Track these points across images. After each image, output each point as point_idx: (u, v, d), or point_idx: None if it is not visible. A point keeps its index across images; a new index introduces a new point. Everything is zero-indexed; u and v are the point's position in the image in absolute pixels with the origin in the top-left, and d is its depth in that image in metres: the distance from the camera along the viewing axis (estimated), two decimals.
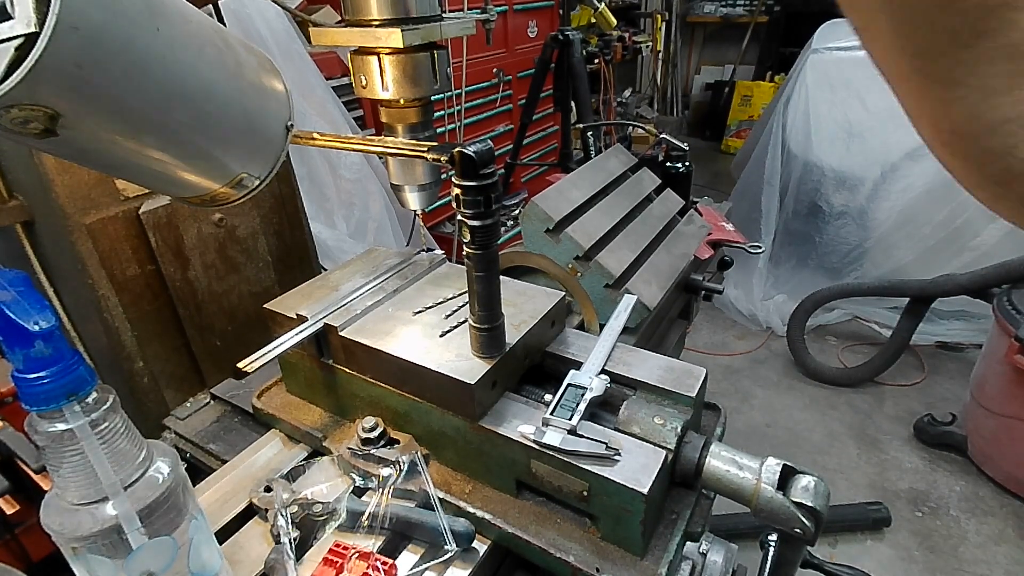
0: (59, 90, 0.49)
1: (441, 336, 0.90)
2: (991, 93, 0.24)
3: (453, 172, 0.73)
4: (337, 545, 0.80)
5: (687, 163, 1.74)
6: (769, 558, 0.99)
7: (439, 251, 1.16)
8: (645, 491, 0.72)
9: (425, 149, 0.79)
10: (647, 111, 7.15)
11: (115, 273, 1.12)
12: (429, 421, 0.89)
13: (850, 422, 2.89)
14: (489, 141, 0.72)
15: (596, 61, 5.26)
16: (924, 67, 0.26)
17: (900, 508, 2.42)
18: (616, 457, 0.76)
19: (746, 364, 3.35)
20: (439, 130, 3.21)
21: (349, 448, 0.92)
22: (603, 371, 0.90)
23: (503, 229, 3.42)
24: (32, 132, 0.51)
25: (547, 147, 4.28)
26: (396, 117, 0.97)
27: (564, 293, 1.00)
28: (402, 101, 0.94)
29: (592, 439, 0.77)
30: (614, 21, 3.38)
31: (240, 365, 0.82)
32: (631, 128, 2.83)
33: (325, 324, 0.94)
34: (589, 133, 2.87)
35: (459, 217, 0.75)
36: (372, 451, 0.90)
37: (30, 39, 0.45)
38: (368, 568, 0.76)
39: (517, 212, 3.52)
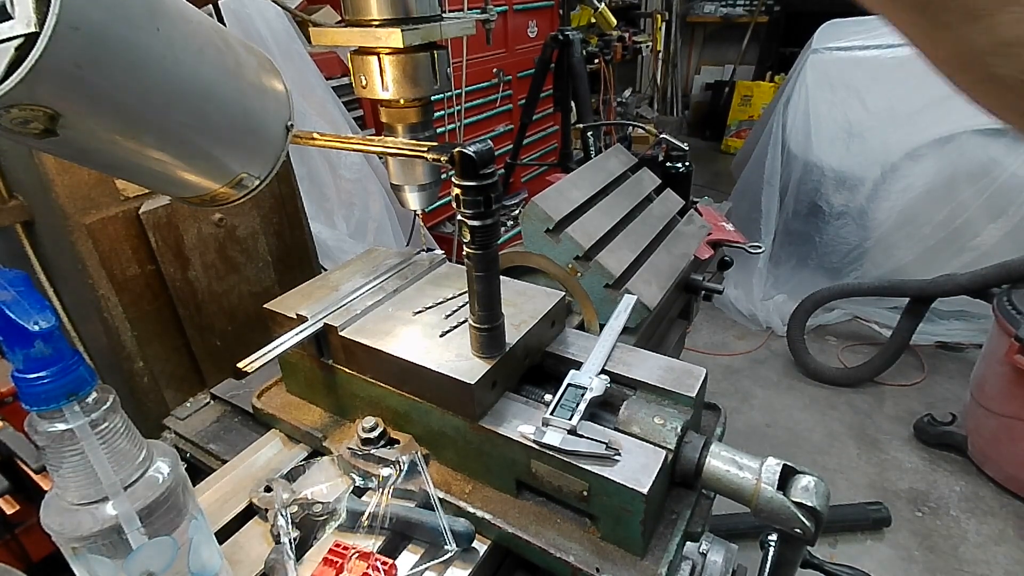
0: (59, 90, 0.49)
1: (441, 336, 0.90)
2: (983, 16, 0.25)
3: (453, 172, 0.73)
4: (337, 545, 0.80)
5: (687, 163, 1.74)
6: (769, 558, 0.99)
7: (439, 251, 1.16)
8: (645, 491, 0.72)
9: (425, 149, 0.79)
10: (647, 111, 7.16)
11: (115, 273, 1.12)
12: (429, 421, 0.89)
13: (850, 422, 2.89)
14: (489, 141, 0.72)
15: (596, 61, 5.26)
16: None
17: (900, 508, 2.42)
18: (616, 457, 0.76)
19: (746, 364, 3.35)
20: (439, 130, 3.21)
21: (349, 448, 0.92)
22: (603, 371, 0.90)
23: (503, 229, 3.42)
24: (32, 132, 0.51)
25: (547, 147, 4.29)
26: (396, 117, 0.97)
27: (564, 293, 1.00)
28: (402, 101, 0.94)
29: (592, 439, 0.77)
30: (614, 21, 3.39)
31: (240, 365, 0.82)
32: (631, 128, 2.84)
33: (325, 324, 0.94)
34: (589, 133, 2.87)
35: (459, 217, 0.75)
36: (372, 451, 0.90)
37: (30, 39, 0.45)
38: (368, 568, 0.76)
39: (517, 212, 3.52)
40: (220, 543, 0.80)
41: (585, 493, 0.77)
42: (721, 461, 0.81)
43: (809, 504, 0.73)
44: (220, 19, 1.32)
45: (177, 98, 0.60)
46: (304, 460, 0.99)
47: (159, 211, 1.15)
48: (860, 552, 2.27)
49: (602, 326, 1.01)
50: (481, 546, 0.83)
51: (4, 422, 1.19)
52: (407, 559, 0.81)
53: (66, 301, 1.19)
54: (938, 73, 0.30)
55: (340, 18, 0.91)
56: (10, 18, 0.45)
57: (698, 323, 3.66)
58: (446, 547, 0.80)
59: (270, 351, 0.87)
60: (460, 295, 1.00)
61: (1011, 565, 2.18)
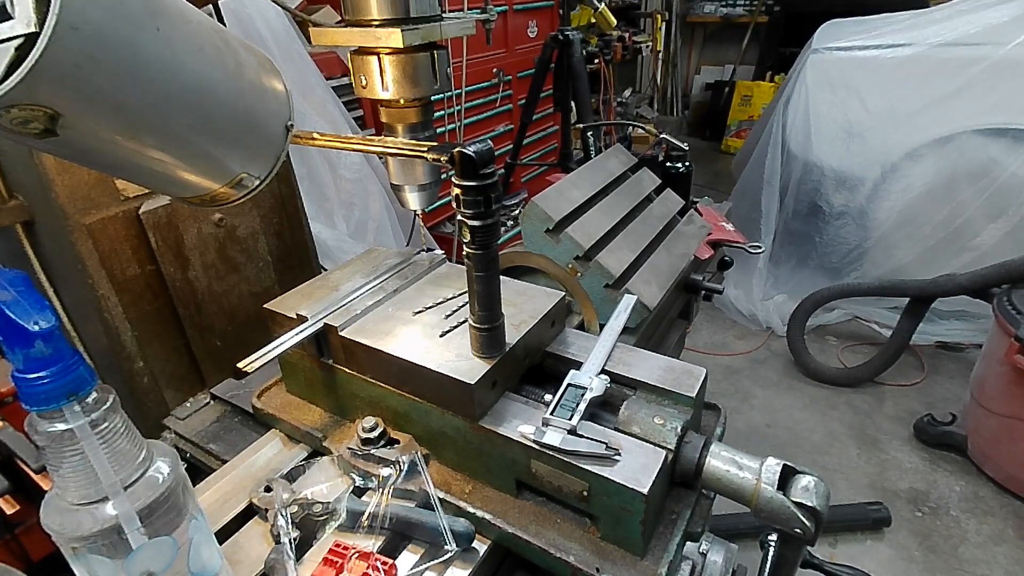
0: (59, 90, 0.49)
1: (441, 336, 0.90)
2: None
3: (453, 172, 0.73)
4: (337, 545, 0.80)
5: (687, 163, 1.74)
6: (769, 558, 0.99)
7: (439, 251, 1.16)
8: (645, 491, 0.72)
9: (425, 149, 0.79)
10: (647, 111, 7.15)
11: (115, 273, 1.12)
12: (429, 421, 0.89)
13: (850, 422, 2.89)
14: (489, 141, 0.72)
15: (596, 61, 5.26)
16: None
17: (900, 508, 2.41)
18: (616, 457, 0.76)
19: (746, 364, 3.35)
20: (439, 130, 3.21)
21: (349, 448, 0.92)
22: (603, 371, 0.90)
23: (503, 229, 3.42)
24: (32, 132, 0.51)
25: (547, 147, 4.28)
26: (396, 117, 0.97)
27: (564, 293, 1.00)
28: (402, 101, 0.94)
29: (592, 439, 0.77)
30: (614, 21, 3.38)
31: (240, 365, 0.82)
32: (631, 128, 2.84)
33: (325, 324, 0.94)
34: (589, 133, 2.87)
35: (459, 217, 0.75)
36: (372, 451, 0.90)
37: (30, 39, 0.45)
38: (368, 568, 0.76)
39: (517, 212, 3.52)
40: (220, 543, 0.80)
41: (585, 493, 0.77)
42: (721, 461, 0.81)
43: (809, 504, 0.73)
44: (220, 19, 1.32)
45: (177, 98, 0.60)
46: (304, 460, 0.99)
47: (159, 211, 1.15)
48: (860, 552, 2.27)
49: (602, 326, 1.01)
50: (481, 546, 0.83)
51: (4, 422, 1.19)
52: (407, 559, 0.81)
53: (66, 301, 1.19)
54: None
55: (340, 18, 0.91)
56: (10, 18, 0.45)
57: (698, 323, 3.66)
58: (446, 547, 0.80)
59: (270, 351, 0.87)
60: (460, 295, 1.00)
61: (1011, 565, 2.18)
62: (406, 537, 0.84)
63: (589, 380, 0.86)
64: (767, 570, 0.98)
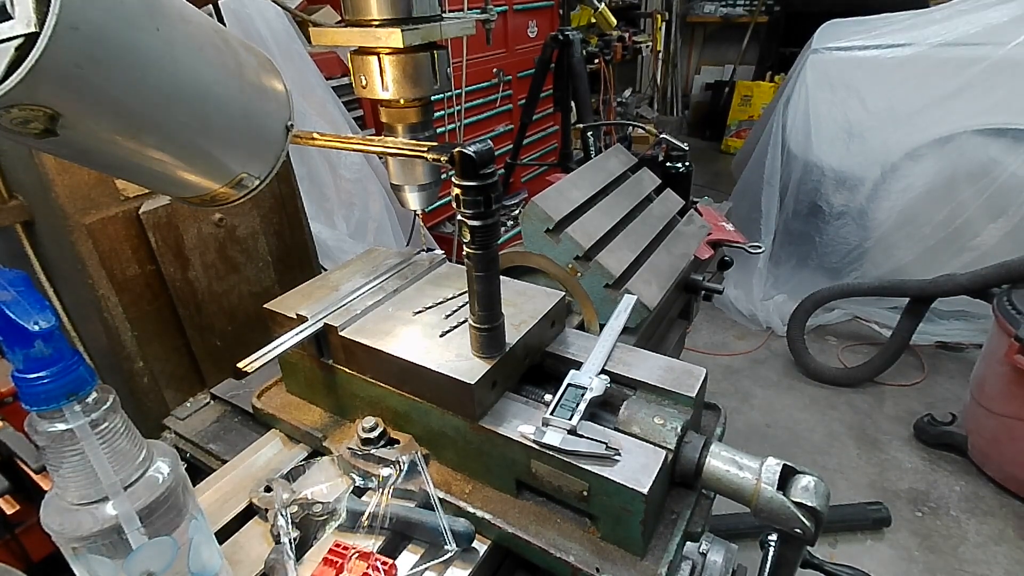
0: (59, 90, 0.49)
1: (441, 336, 0.90)
2: None
3: (453, 172, 0.73)
4: (337, 545, 0.80)
5: (687, 163, 1.74)
6: (769, 558, 0.99)
7: (439, 251, 1.16)
8: (645, 491, 0.72)
9: (425, 149, 0.79)
10: (647, 111, 7.15)
11: (115, 273, 1.12)
12: (429, 421, 0.89)
13: (850, 422, 2.89)
14: (489, 141, 0.72)
15: (596, 61, 5.26)
16: None
17: (900, 508, 2.41)
18: (616, 457, 0.76)
19: (746, 364, 3.35)
20: (439, 130, 3.21)
21: (349, 448, 0.92)
22: (603, 371, 0.90)
23: (503, 229, 3.42)
24: (32, 132, 0.51)
25: (547, 147, 4.28)
26: (396, 117, 0.97)
27: (564, 293, 1.00)
28: (402, 101, 0.94)
29: (592, 439, 0.77)
30: (614, 21, 3.38)
31: (240, 365, 0.82)
32: (631, 128, 2.84)
33: (325, 324, 0.94)
34: (589, 133, 2.87)
35: (459, 217, 0.75)
36: (372, 451, 0.90)
37: (30, 39, 0.45)
38: (368, 568, 0.76)
39: (517, 212, 3.52)
40: (220, 543, 0.80)
41: (585, 493, 0.77)
42: (721, 461, 0.81)
43: (809, 504, 0.73)
44: (220, 19, 1.32)
45: (177, 98, 0.60)
46: (304, 460, 0.99)
47: (159, 211, 1.15)
48: (860, 552, 2.27)
49: (602, 326, 1.01)
50: (481, 546, 0.83)
51: (4, 422, 1.19)
52: (407, 559, 0.81)
53: (66, 301, 1.19)
54: None
55: (340, 18, 0.91)
56: (10, 18, 0.45)
57: (698, 323, 3.66)
58: (446, 547, 0.80)
59: (270, 351, 0.87)
60: (460, 295, 1.00)
61: (1011, 565, 2.18)
62: (406, 537, 0.84)
63: (589, 380, 0.86)
64: (767, 570, 0.98)
